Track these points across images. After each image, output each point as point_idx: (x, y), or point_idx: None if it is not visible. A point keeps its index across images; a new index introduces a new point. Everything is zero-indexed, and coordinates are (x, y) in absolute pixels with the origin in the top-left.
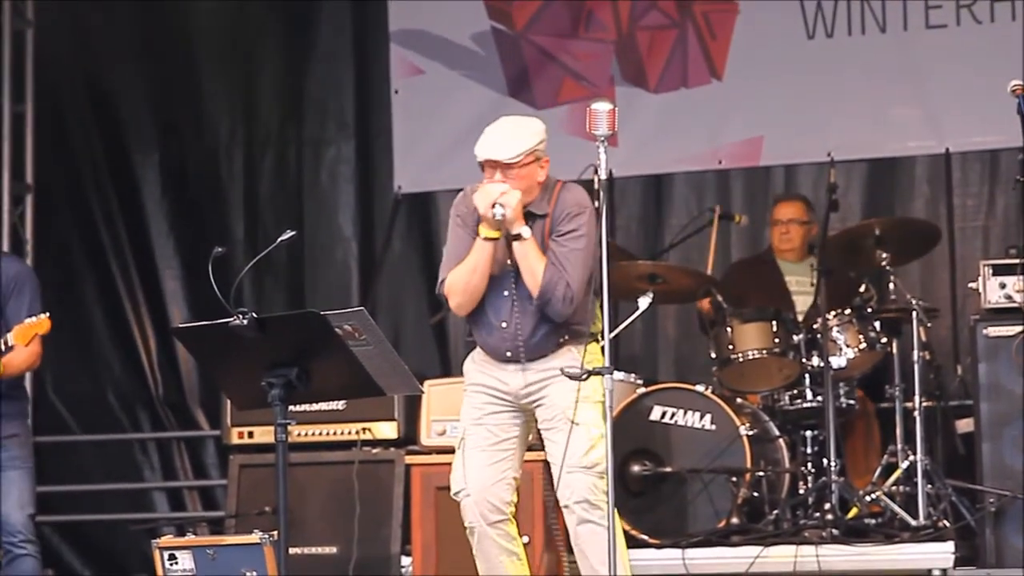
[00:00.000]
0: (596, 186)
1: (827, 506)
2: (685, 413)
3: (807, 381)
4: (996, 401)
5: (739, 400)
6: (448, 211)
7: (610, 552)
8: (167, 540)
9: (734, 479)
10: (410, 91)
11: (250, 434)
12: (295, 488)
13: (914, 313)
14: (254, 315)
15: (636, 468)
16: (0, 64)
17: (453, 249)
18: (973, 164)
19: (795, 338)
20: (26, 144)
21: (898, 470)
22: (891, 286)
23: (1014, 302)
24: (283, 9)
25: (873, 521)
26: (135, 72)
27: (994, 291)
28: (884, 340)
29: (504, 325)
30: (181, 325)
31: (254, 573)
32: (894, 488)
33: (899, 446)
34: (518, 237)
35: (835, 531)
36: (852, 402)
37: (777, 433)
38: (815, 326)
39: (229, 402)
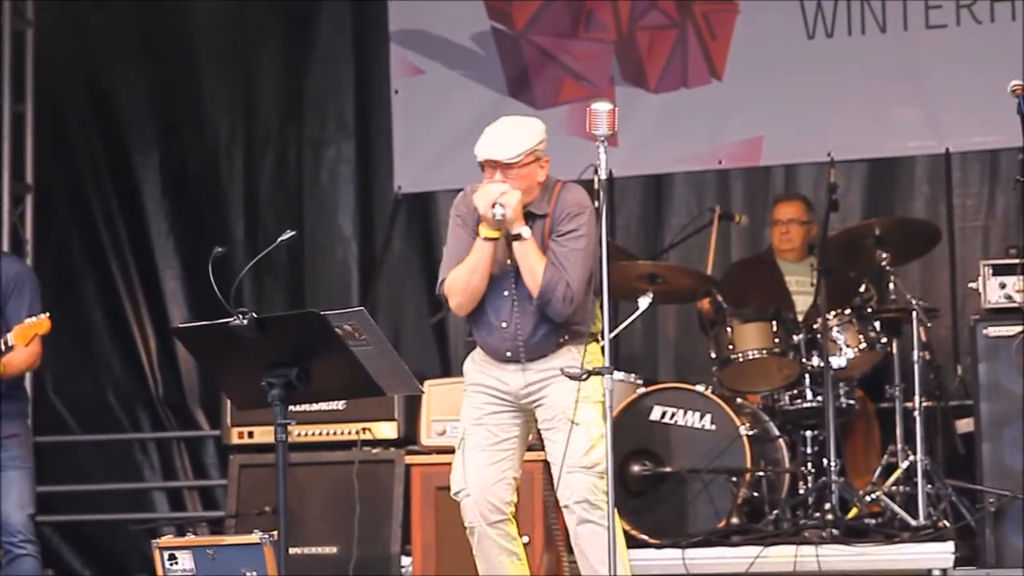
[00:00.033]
0: (596, 186)
1: (827, 506)
2: (685, 413)
3: (807, 381)
4: (996, 401)
5: (739, 400)
6: (448, 211)
7: (610, 552)
8: (167, 540)
9: (734, 479)
10: (410, 91)
11: (250, 434)
12: (295, 488)
13: (914, 313)
14: (254, 315)
15: (636, 468)
16: (0, 64)
17: (453, 249)
18: (973, 164)
19: (795, 338)
20: (26, 144)
21: (898, 470)
22: (891, 286)
23: (1014, 302)
24: (283, 9)
25: (873, 521)
26: (135, 72)
27: (994, 291)
28: (884, 340)
29: (504, 325)
30: (181, 325)
31: (254, 573)
32: (894, 488)
33: (899, 446)
34: (518, 237)
35: (835, 531)
36: (852, 402)
37: (777, 433)
38: (815, 326)
39: (229, 402)
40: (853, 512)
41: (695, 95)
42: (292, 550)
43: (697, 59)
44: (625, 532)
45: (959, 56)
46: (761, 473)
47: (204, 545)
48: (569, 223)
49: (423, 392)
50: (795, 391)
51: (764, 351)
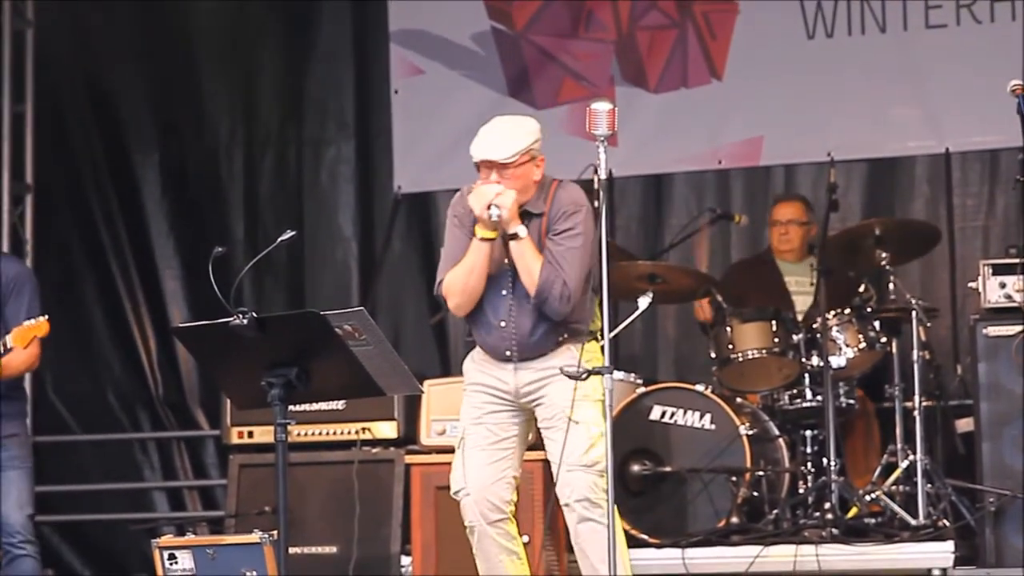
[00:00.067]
0: (596, 186)
1: (827, 506)
2: (685, 413)
3: (807, 381)
4: (996, 401)
5: (739, 400)
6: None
7: (610, 551)
8: (167, 540)
9: (734, 479)
10: (410, 91)
11: (250, 434)
12: (295, 488)
13: (914, 313)
14: (254, 315)
15: (636, 468)
16: (0, 64)
17: (450, 250)
18: (973, 164)
19: (795, 338)
20: (26, 144)
21: (898, 470)
22: (891, 286)
23: (1014, 302)
24: (283, 9)
25: (873, 521)
26: (135, 72)
27: (994, 291)
28: (884, 340)
29: (503, 324)
30: (181, 325)
31: (254, 573)
32: (894, 488)
33: (899, 446)
34: (514, 236)
35: (835, 531)
36: (852, 402)
37: (777, 433)
38: (815, 326)
39: (229, 402)
40: (853, 512)
41: (695, 95)
42: (292, 550)
43: (697, 59)
44: (625, 532)
45: (959, 56)
46: (761, 473)
47: (204, 545)
48: (565, 222)
49: (423, 392)
50: (795, 391)
51: (764, 351)
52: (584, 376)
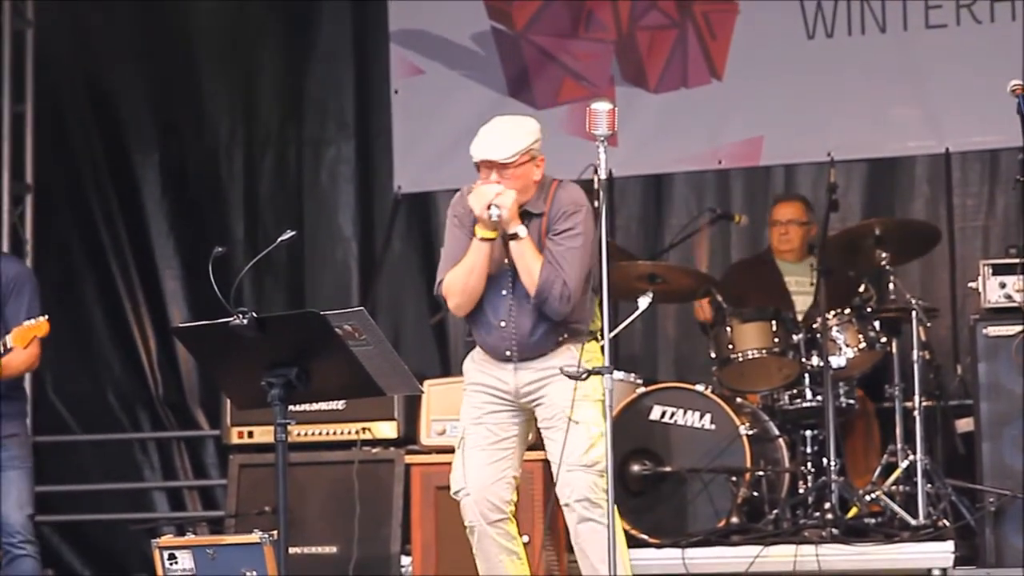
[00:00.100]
0: (596, 186)
1: (827, 506)
2: (685, 413)
3: (807, 381)
4: (996, 401)
5: (739, 400)
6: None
7: (610, 551)
8: (167, 540)
9: (734, 479)
10: (410, 91)
11: (250, 434)
12: (295, 488)
13: (914, 313)
14: (254, 315)
15: (636, 468)
16: (0, 64)
17: (450, 250)
18: (973, 164)
19: (795, 338)
20: (26, 144)
21: (898, 470)
22: (891, 286)
23: (1014, 302)
24: (283, 9)
25: (873, 521)
26: (135, 72)
27: (994, 291)
28: (884, 340)
29: (503, 324)
30: (181, 325)
31: (254, 573)
32: (894, 488)
33: (899, 446)
34: (514, 236)
35: (835, 531)
36: (852, 402)
37: (777, 433)
38: (815, 326)
39: (229, 402)
40: (853, 512)
41: (695, 95)
42: (292, 550)
43: (697, 59)
44: (625, 532)
45: (959, 56)
46: (761, 473)
47: (204, 545)
48: (565, 221)
49: (423, 392)
50: (795, 391)
51: (764, 351)
52: (584, 376)
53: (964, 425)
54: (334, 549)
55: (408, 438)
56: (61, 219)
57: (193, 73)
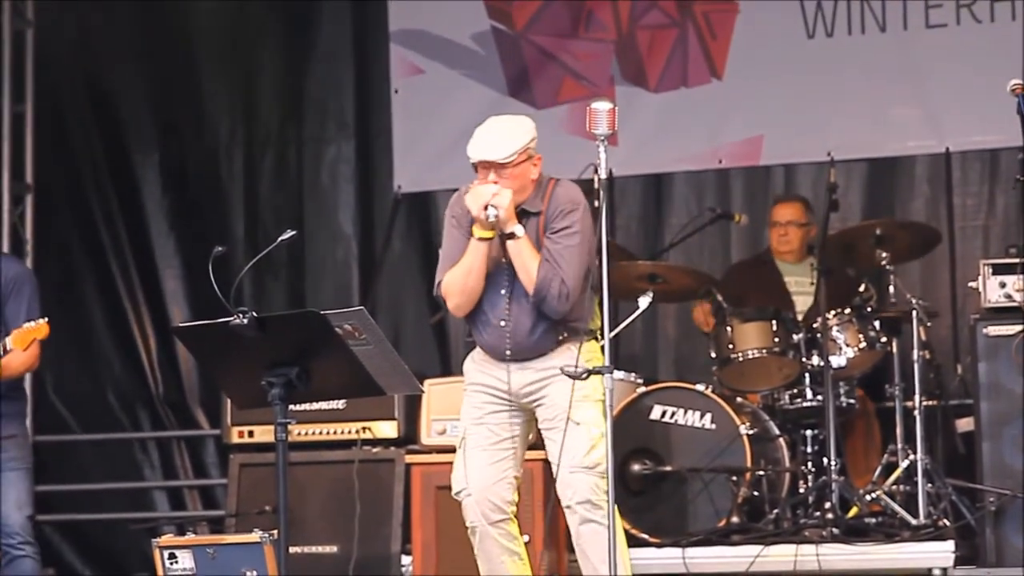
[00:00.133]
0: (596, 185)
1: (827, 505)
2: (685, 412)
3: (807, 380)
4: (996, 400)
5: (739, 399)
6: None
7: (610, 551)
8: (167, 539)
9: (734, 478)
10: (410, 91)
11: (250, 433)
12: (295, 487)
13: (914, 312)
14: (254, 314)
15: (636, 467)
16: (0, 64)
17: (449, 250)
18: (973, 164)
19: (795, 337)
20: (26, 144)
21: (898, 469)
22: (891, 286)
23: (1014, 301)
24: (283, 9)
25: (873, 520)
26: (135, 72)
27: (994, 290)
28: (884, 339)
29: (502, 324)
30: (181, 324)
31: (254, 572)
32: (894, 487)
33: (899, 445)
34: (512, 236)
35: (835, 530)
36: (852, 401)
37: (777, 432)
38: (815, 325)
39: (229, 401)
40: (853, 511)
41: (695, 95)
42: (292, 549)
43: (697, 59)
44: (625, 531)
45: (959, 56)
46: (761, 472)
47: (204, 544)
48: (563, 220)
49: (423, 391)
50: (795, 390)
51: (764, 350)
52: (584, 376)
53: (964, 425)
54: (334, 549)
55: (408, 438)
56: (61, 219)
57: (193, 73)
